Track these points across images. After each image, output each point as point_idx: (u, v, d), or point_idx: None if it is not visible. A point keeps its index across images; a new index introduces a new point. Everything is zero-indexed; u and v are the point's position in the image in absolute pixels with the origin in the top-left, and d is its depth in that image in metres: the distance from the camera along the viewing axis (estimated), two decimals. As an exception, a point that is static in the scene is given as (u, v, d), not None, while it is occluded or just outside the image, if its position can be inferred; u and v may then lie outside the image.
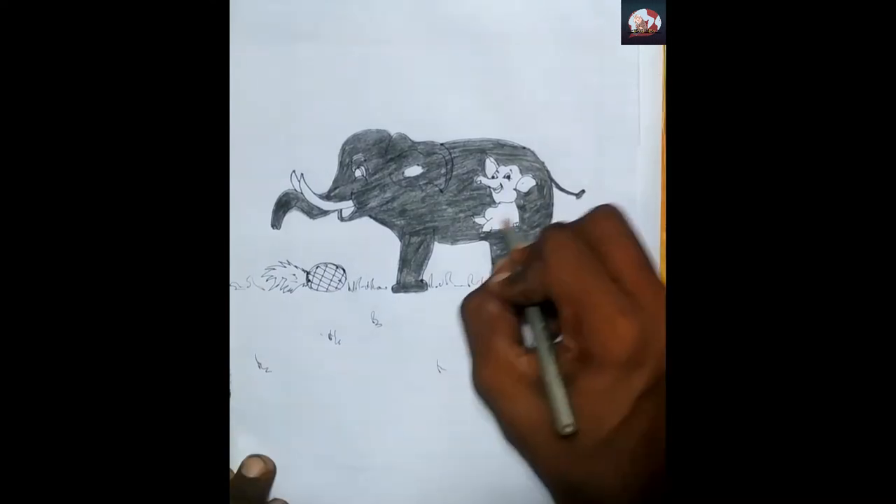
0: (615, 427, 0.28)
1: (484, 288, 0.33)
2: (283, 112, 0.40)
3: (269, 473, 0.40)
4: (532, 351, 0.32)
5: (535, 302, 0.32)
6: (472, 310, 0.33)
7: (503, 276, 0.33)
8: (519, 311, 0.33)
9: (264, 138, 0.40)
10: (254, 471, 0.39)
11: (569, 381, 0.29)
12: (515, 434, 0.31)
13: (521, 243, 0.35)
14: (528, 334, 0.33)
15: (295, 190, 0.40)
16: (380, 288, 0.40)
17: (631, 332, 0.28)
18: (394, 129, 0.40)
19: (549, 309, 0.33)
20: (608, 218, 0.31)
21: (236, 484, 0.39)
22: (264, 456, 0.40)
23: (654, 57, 0.39)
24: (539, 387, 0.30)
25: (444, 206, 0.40)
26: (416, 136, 0.40)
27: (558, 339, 0.32)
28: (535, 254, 0.32)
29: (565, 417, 0.28)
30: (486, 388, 0.31)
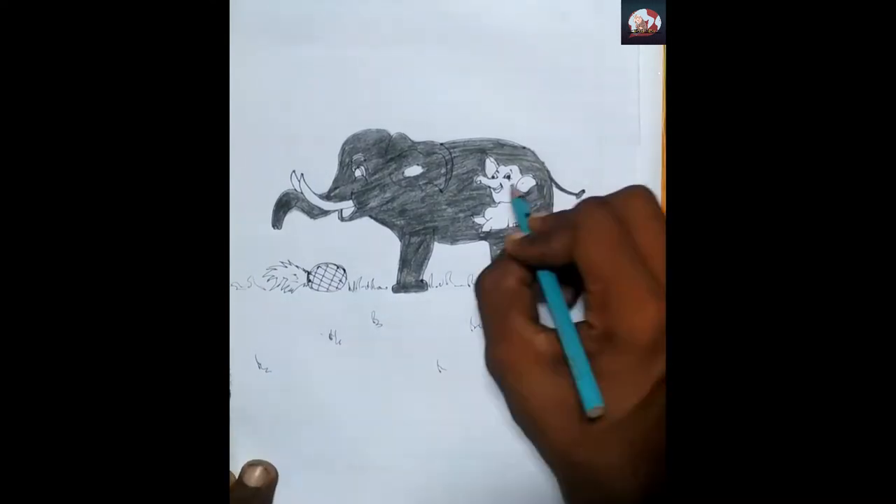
0: (631, 410, 0.28)
1: (502, 262, 0.33)
2: (283, 112, 0.40)
3: (272, 482, 0.40)
4: (548, 330, 0.31)
5: (549, 266, 0.31)
6: (488, 285, 0.32)
7: (518, 235, 0.33)
8: (535, 286, 0.32)
9: (264, 138, 0.40)
10: (256, 480, 0.39)
11: (590, 359, 0.29)
12: (527, 412, 0.30)
13: (536, 213, 0.35)
14: (545, 310, 0.32)
15: (295, 190, 0.40)
16: (380, 288, 0.40)
17: (658, 315, 0.28)
18: (394, 129, 0.40)
19: (562, 280, 0.32)
20: (641, 199, 0.31)
21: (238, 494, 0.39)
22: (266, 463, 0.40)
23: (654, 57, 0.39)
24: (554, 365, 0.30)
25: (444, 206, 0.40)
26: (416, 136, 0.40)
27: (577, 319, 0.31)
28: (563, 222, 0.31)
29: (596, 398, 0.28)
30: (501, 364, 0.31)
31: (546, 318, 0.34)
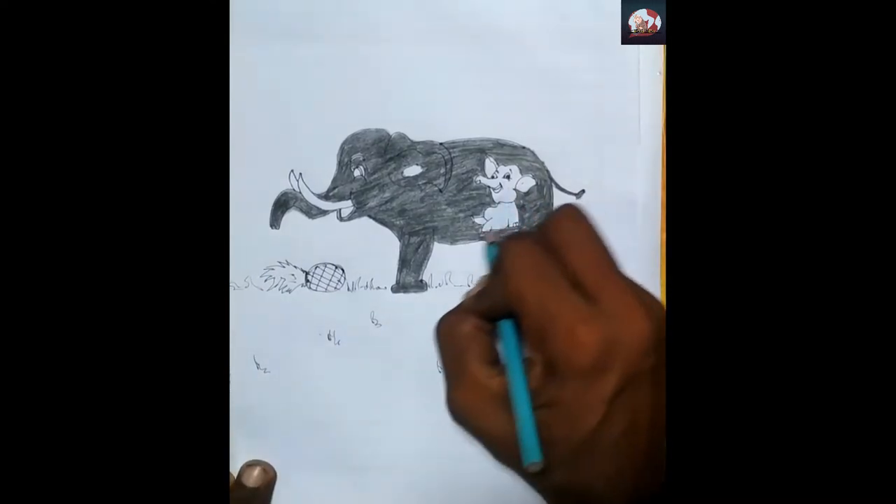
0: (590, 432, 0.28)
1: (458, 307, 0.33)
2: (282, 112, 0.40)
3: (270, 482, 0.39)
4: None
5: (502, 316, 0.32)
6: (444, 331, 0.33)
7: (476, 289, 0.33)
8: (494, 330, 0.32)
9: (263, 138, 0.40)
10: (254, 480, 0.39)
11: (539, 392, 0.29)
12: (495, 453, 0.31)
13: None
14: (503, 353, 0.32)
15: (294, 190, 0.40)
16: (379, 288, 0.40)
17: (592, 338, 0.28)
18: (393, 129, 0.40)
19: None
20: (567, 220, 0.31)
21: (237, 494, 0.39)
22: (264, 463, 0.40)
23: (654, 57, 0.39)
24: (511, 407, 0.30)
25: (444, 206, 0.40)
26: (416, 135, 0.40)
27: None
28: (498, 266, 0.32)
29: (534, 454, 0.28)
30: (460, 409, 0.31)
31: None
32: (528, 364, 0.30)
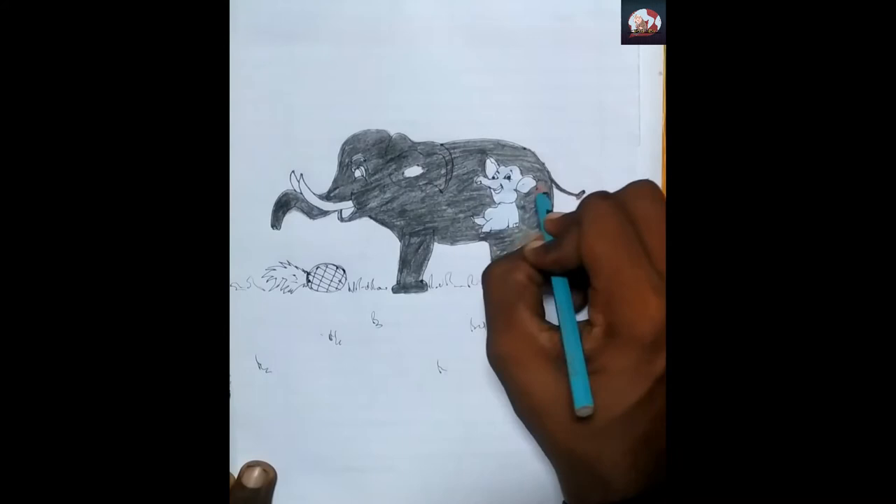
0: (632, 406, 0.28)
1: (513, 256, 0.33)
2: (282, 112, 0.40)
3: (271, 482, 0.40)
4: (554, 328, 0.31)
5: (567, 270, 0.31)
6: (496, 277, 0.32)
7: (537, 243, 0.33)
8: (545, 285, 0.32)
9: (264, 138, 0.40)
10: (255, 481, 0.39)
11: (592, 356, 0.29)
12: (528, 406, 0.30)
13: (554, 213, 0.35)
14: (552, 309, 0.32)
15: (295, 190, 0.40)
16: (380, 288, 0.40)
17: (660, 312, 0.28)
18: (394, 130, 0.40)
19: (575, 284, 0.32)
20: (647, 195, 0.31)
21: (237, 495, 0.39)
22: (264, 463, 0.40)
23: (654, 57, 0.39)
24: (556, 362, 0.30)
25: (444, 207, 0.40)
26: (416, 136, 0.40)
27: (581, 317, 0.31)
28: (572, 221, 0.31)
29: (586, 398, 0.28)
30: (504, 356, 0.31)
31: (551, 317, 0.34)
32: (587, 322, 0.30)
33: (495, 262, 0.33)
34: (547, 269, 0.32)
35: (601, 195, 0.31)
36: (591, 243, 0.30)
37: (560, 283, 0.32)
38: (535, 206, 0.39)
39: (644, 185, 0.31)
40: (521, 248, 0.33)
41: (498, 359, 0.31)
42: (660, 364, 0.28)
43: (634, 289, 0.29)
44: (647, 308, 0.28)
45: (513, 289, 0.32)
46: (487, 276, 0.33)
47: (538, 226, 0.38)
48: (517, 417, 0.33)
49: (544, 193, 0.38)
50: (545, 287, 0.34)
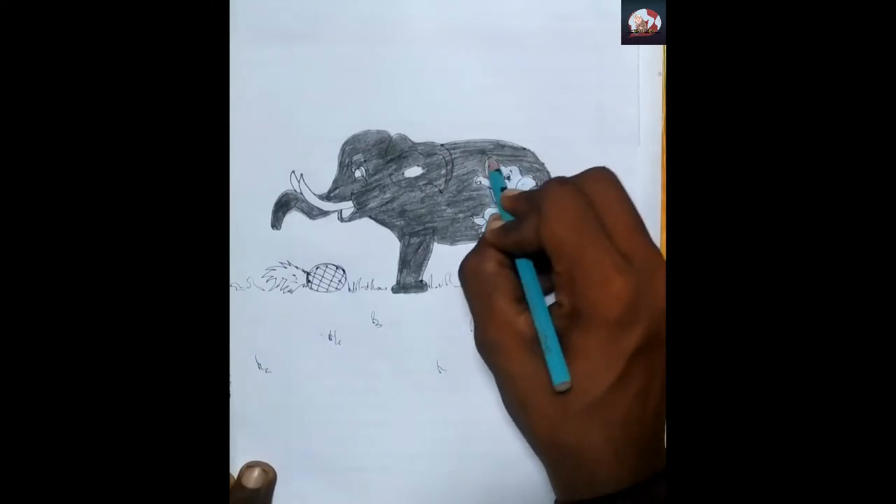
0: (609, 387, 0.28)
1: (480, 247, 0.33)
2: (283, 112, 0.40)
3: (271, 482, 0.40)
4: (529, 311, 0.32)
5: (527, 253, 0.32)
6: (470, 270, 0.33)
7: (497, 223, 0.33)
8: (514, 267, 0.33)
9: (264, 138, 0.40)
10: (254, 481, 0.39)
11: (562, 336, 0.29)
12: (512, 393, 0.31)
13: (511, 190, 0.35)
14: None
15: (295, 190, 0.40)
16: (380, 288, 0.40)
17: (625, 290, 0.28)
18: (394, 130, 0.40)
19: (541, 266, 0.33)
20: (604, 180, 0.31)
21: (237, 495, 0.39)
22: (264, 464, 0.40)
23: (654, 57, 0.39)
24: (534, 346, 0.30)
25: (444, 207, 0.40)
26: (416, 136, 0.40)
27: (550, 300, 0.32)
28: (531, 204, 0.32)
29: (563, 374, 0.28)
30: (488, 345, 0.31)
31: None
32: (554, 306, 0.31)
33: (467, 257, 0.33)
34: (508, 250, 0.32)
35: (559, 180, 0.32)
36: (552, 228, 0.30)
37: (525, 265, 0.32)
38: (490, 182, 0.38)
39: (600, 170, 0.32)
40: (485, 234, 0.34)
41: (484, 348, 0.32)
42: (630, 342, 0.28)
43: (596, 270, 0.29)
44: (610, 287, 0.29)
45: (486, 279, 0.32)
46: (462, 272, 0.33)
47: (494, 203, 0.38)
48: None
49: (496, 171, 0.38)
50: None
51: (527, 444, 0.31)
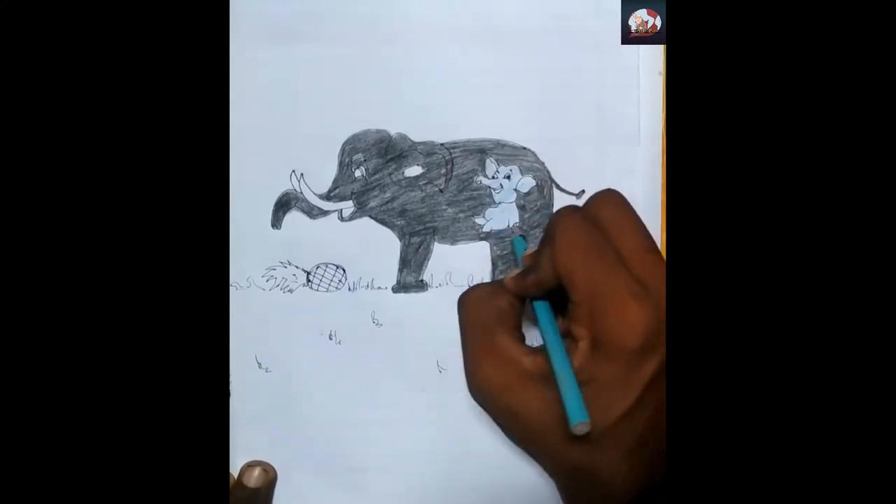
0: (623, 415, 0.28)
1: (492, 284, 0.33)
2: (283, 112, 0.40)
3: (271, 482, 0.40)
4: (534, 351, 0.32)
5: (547, 292, 0.32)
6: (475, 300, 0.32)
7: (515, 272, 0.33)
8: (525, 311, 0.32)
9: (264, 138, 0.40)
10: (255, 481, 0.39)
11: (579, 371, 0.29)
12: (522, 430, 0.30)
13: (530, 247, 0.35)
14: (533, 333, 0.32)
15: (295, 190, 0.40)
16: (380, 288, 0.40)
17: (642, 318, 0.28)
18: (394, 129, 0.40)
19: (556, 306, 0.32)
20: (612, 203, 0.31)
21: (237, 495, 0.39)
22: (265, 463, 0.40)
23: (654, 57, 0.39)
24: (544, 384, 0.30)
25: (444, 207, 0.40)
26: (416, 136, 0.40)
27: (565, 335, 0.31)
28: (545, 239, 0.31)
29: (581, 415, 0.28)
30: (486, 384, 0.31)
31: (532, 341, 0.34)
32: (569, 341, 0.30)
33: (473, 288, 0.33)
34: (529, 294, 0.32)
35: (568, 209, 0.31)
36: (564, 258, 0.30)
37: (542, 307, 0.32)
38: (513, 248, 0.39)
39: (607, 193, 0.32)
40: (501, 280, 0.33)
41: (482, 387, 0.31)
42: (648, 369, 0.28)
43: (612, 297, 0.29)
44: (627, 315, 0.28)
45: (494, 314, 0.32)
46: (465, 301, 0.33)
47: (516, 264, 0.38)
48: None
49: (521, 236, 0.38)
50: (525, 313, 0.34)
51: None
